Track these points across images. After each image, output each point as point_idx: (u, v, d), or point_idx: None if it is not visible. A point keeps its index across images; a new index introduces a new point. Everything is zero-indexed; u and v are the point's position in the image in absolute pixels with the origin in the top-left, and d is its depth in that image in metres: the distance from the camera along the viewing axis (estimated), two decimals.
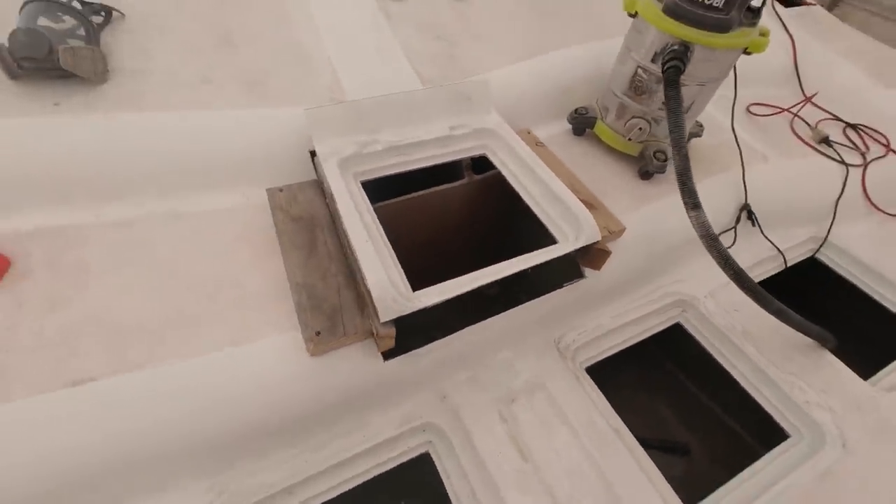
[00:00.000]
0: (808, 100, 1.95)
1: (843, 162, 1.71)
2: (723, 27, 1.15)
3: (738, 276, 1.09)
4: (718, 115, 1.72)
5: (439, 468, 1.04)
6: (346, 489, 1.00)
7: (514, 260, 1.05)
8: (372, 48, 1.52)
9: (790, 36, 2.07)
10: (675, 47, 1.18)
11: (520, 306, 1.16)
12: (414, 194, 1.38)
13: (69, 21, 1.27)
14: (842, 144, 1.79)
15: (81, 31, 1.26)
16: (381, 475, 1.02)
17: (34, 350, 0.88)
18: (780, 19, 2.13)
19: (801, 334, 1.25)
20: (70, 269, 1.01)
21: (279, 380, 0.94)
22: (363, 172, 1.22)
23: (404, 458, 1.05)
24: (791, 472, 1.05)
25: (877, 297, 1.51)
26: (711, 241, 1.07)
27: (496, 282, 1.01)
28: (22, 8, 1.18)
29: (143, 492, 0.86)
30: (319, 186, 1.23)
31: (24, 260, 1.01)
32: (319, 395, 0.97)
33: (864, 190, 1.69)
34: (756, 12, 1.19)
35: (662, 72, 1.18)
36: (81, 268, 1.02)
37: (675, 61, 1.16)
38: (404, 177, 1.32)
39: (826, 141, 1.77)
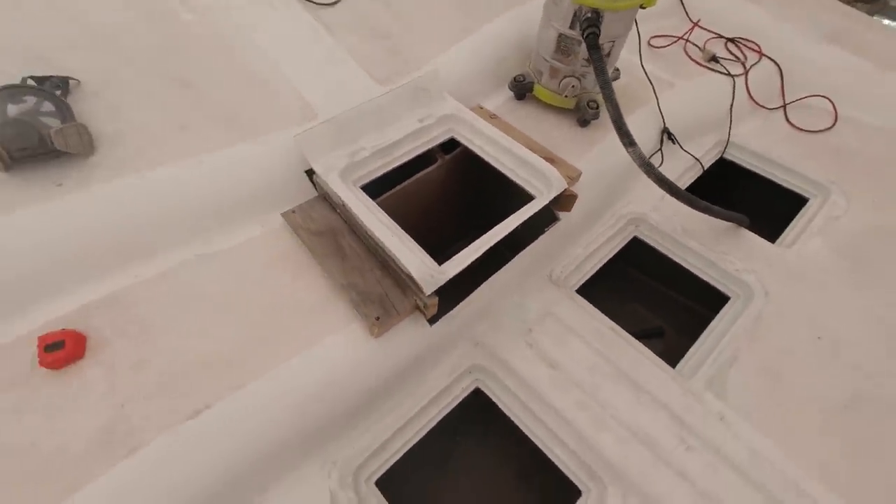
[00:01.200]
0: (694, 26, 2.29)
1: (729, 74, 2.08)
2: None
3: (671, 189, 1.40)
4: (626, 55, 2.01)
5: (491, 396, 1.32)
6: (423, 435, 1.25)
7: (507, 220, 1.29)
8: (323, 60, 1.63)
9: None
10: (589, 15, 1.42)
11: (516, 256, 1.42)
12: (402, 185, 1.56)
13: (30, 100, 1.28)
14: (726, 59, 2.15)
15: (49, 107, 1.28)
16: (448, 415, 1.28)
17: (146, 398, 1.03)
18: None
19: (723, 221, 1.63)
20: (138, 328, 1.13)
21: (353, 363, 1.15)
22: (359, 178, 1.39)
23: (461, 398, 1.31)
24: (733, 323, 1.42)
25: (770, 177, 1.93)
26: (649, 168, 1.37)
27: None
28: None
29: (276, 478, 1.07)
30: (325, 200, 1.39)
31: (96, 331, 1.12)
32: (387, 367, 1.19)
33: (749, 93, 2.08)
34: None
35: (583, 38, 1.42)
36: (145, 325, 1.14)
37: (591, 28, 1.40)
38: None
39: (714, 58, 2.13)
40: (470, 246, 1.22)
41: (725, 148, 2.01)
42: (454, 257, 1.20)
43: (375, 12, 1.86)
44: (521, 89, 1.80)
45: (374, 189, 1.48)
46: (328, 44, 1.69)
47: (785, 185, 1.90)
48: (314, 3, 1.81)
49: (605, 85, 1.37)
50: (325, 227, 1.32)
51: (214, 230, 1.31)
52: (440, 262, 1.21)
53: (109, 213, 1.22)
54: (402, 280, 1.19)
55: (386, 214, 1.29)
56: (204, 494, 0.96)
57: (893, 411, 1.22)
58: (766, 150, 1.97)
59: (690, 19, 2.34)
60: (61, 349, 1.03)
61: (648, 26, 2.24)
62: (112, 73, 1.44)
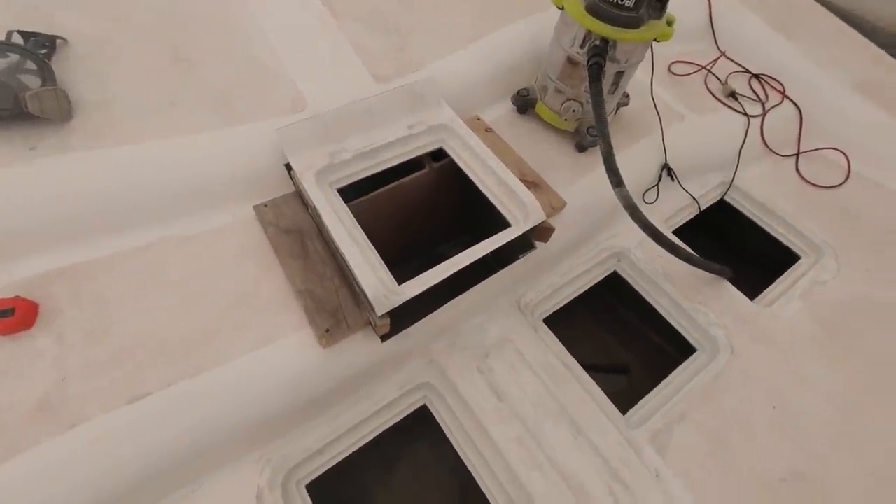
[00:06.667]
0: (720, 56, 2.18)
1: (745, 113, 2.00)
2: (634, 24, 1.32)
3: (654, 234, 1.37)
4: (643, 77, 1.92)
5: (435, 415, 1.33)
6: (363, 444, 1.27)
7: (476, 247, 1.27)
8: (325, 51, 1.59)
9: None
10: (597, 43, 1.36)
11: (485, 280, 1.41)
12: (384, 189, 1.54)
13: (12, 57, 1.27)
14: (746, 97, 2.06)
15: (31, 65, 1.27)
16: (392, 427, 1.30)
17: (89, 377, 1.05)
18: None
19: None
20: (94, 302, 1.15)
21: (300, 369, 1.16)
22: (337, 180, 1.37)
23: (407, 412, 1.33)
24: (694, 377, 1.41)
25: (767, 228, 1.87)
26: (633, 211, 1.33)
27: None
28: None
29: (211, 468, 1.10)
30: (300, 197, 1.37)
31: (50, 301, 1.13)
32: (333, 377, 1.20)
33: (762, 136, 2.00)
34: (663, 4, 1.36)
35: (587, 67, 1.36)
36: (102, 301, 1.16)
37: (596, 58, 1.34)
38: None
39: (733, 95, 2.04)
40: (433, 269, 1.21)
41: (727, 190, 1.94)
42: (415, 279, 1.19)
43: (386, 2, 1.79)
44: (524, 104, 1.75)
45: (360, 189, 1.47)
46: (333, 32, 1.64)
47: (780, 238, 1.85)
48: None
49: (601, 121, 1.32)
50: (293, 226, 1.31)
51: (186, 214, 1.31)
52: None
53: (80, 182, 1.22)
54: (357, 295, 1.18)
55: (356, 223, 1.28)
56: (133, 480, 0.99)
57: (825, 497, 1.22)
58: (768, 198, 1.90)
59: (718, 48, 2.23)
60: (10, 316, 1.05)
61: (673, 49, 2.15)
62: (105, 38, 1.41)
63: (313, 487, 1.19)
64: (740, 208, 1.94)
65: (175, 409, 1.05)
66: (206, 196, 1.33)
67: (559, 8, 1.46)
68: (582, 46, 1.44)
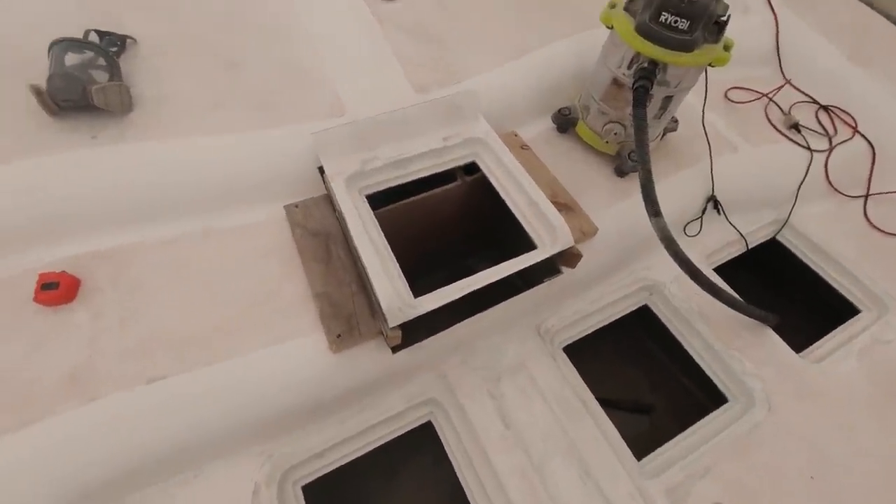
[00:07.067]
0: (784, 84, 2.04)
1: (808, 148, 1.84)
2: (687, 47, 1.25)
3: (692, 272, 1.28)
4: (695, 102, 1.82)
5: (439, 434, 1.30)
6: (364, 452, 1.26)
7: (499, 266, 1.24)
8: (367, 58, 1.62)
9: (774, 14, 2.11)
10: (645, 65, 1.30)
11: (506, 301, 1.37)
12: (413, 198, 1.53)
13: (87, 54, 1.38)
14: (811, 129, 1.90)
15: (102, 62, 1.38)
16: (394, 439, 1.28)
17: (115, 354, 1.11)
18: None
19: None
20: (129, 287, 1.22)
21: (309, 372, 1.17)
22: (367, 187, 1.39)
23: (411, 427, 1.31)
24: (723, 429, 1.30)
25: (822, 275, 1.71)
26: (668, 243, 1.26)
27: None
28: (50, 48, 1.30)
29: (213, 458, 1.12)
30: (330, 201, 1.40)
31: (91, 279, 1.21)
32: (342, 382, 1.20)
33: (826, 174, 1.83)
34: (721, 27, 1.29)
35: (632, 89, 1.30)
36: (137, 285, 1.22)
37: (643, 80, 1.28)
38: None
39: (796, 126, 1.89)
40: (451, 286, 1.19)
41: (781, 229, 1.80)
42: (431, 293, 1.17)
43: (432, 14, 1.81)
44: (564, 123, 1.70)
45: (391, 197, 1.47)
46: (377, 41, 1.67)
47: (837, 287, 1.68)
48: None
49: (642, 147, 1.25)
50: (321, 229, 1.33)
51: (222, 208, 1.36)
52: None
53: (131, 172, 1.30)
54: (373, 303, 1.18)
55: (380, 231, 1.28)
56: (138, 461, 1.03)
57: None
58: (827, 242, 1.74)
59: (783, 75, 2.09)
60: (55, 289, 1.12)
61: (732, 73, 2.02)
62: (168, 40, 1.51)
63: (309, 490, 1.19)
64: (794, 250, 1.79)
65: (186, 399, 1.09)
66: (242, 192, 1.38)
67: (608, 27, 1.41)
68: (629, 68, 1.39)
